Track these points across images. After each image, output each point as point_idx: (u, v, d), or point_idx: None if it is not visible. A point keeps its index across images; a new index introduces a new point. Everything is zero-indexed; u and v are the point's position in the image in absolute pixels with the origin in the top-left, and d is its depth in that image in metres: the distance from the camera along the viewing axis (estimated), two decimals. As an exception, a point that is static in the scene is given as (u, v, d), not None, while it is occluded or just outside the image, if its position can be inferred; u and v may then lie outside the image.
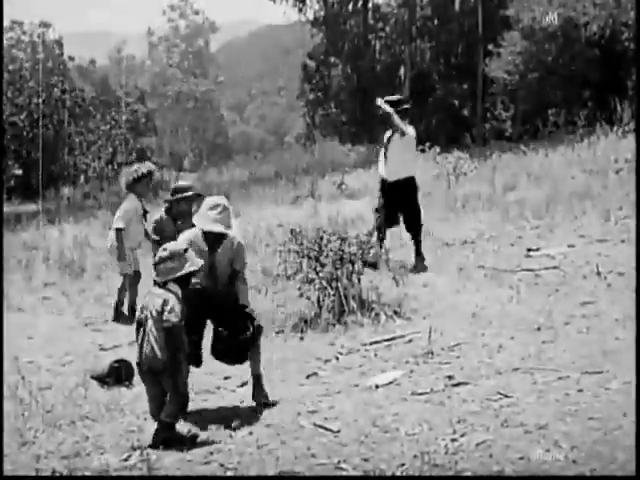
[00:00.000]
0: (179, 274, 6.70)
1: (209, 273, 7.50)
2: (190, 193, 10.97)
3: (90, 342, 10.25)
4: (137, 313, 6.84)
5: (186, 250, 6.87)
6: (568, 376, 7.06)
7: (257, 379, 7.66)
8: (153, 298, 6.65)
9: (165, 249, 6.80)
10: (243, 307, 7.57)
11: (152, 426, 6.77)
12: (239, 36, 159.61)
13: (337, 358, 8.62)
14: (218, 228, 7.45)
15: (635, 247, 10.36)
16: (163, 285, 6.70)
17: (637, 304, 8.10)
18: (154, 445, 6.39)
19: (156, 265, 6.82)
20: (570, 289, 10.19)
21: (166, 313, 6.48)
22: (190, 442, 6.46)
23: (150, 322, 6.55)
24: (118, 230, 11.58)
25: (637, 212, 12.20)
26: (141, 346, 6.60)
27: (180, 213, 10.87)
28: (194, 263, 6.85)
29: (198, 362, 7.71)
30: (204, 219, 7.49)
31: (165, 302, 6.53)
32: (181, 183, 11.46)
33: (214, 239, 7.55)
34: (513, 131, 33.37)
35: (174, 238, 8.19)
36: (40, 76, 39.36)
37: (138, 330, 6.70)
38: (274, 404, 7.40)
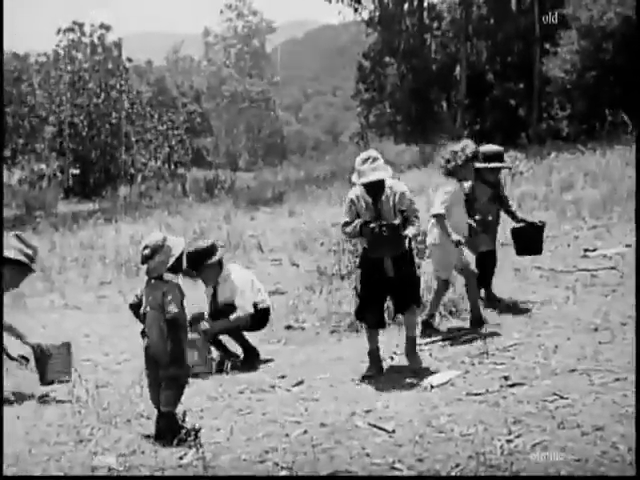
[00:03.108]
0: (170, 264, 6.70)
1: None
2: (505, 164, 10.25)
3: (146, 340, 10.31)
4: (133, 299, 6.93)
5: (164, 238, 6.81)
6: (625, 377, 6.98)
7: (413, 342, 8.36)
8: (151, 291, 6.72)
9: (147, 247, 6.68)
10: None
11: (208, 422, 6.84)
12: (295, 36, 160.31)
13: (392, 358, 8.59)
14: (374, 176, 7.77)
15: (635, 250, 10.25)
16: (159, 278, 6.71)
17: (637, 305, 7.98)
18: (158, 437, 6.49)
19: (142, 264, 6.82)
20: (627, 289, 10.06)
21: (166, 305, 6.55)
22: (193, 434, 6.48)
23: (152, 314, 6.67)
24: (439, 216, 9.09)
25: (637, 212, 12.06)
26: (143, 333, 6.79)
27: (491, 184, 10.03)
28: (178, 244, 6.81)
29: (382, 325, 8.42)
30: (360, 174, 7.85)
31: (164, 294, 6.60)
32: (493, 148, 10.04)
33: (376, 189, 7.90)
34: (570, 130, 32.99)
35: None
36: (99, 77, 39.81)
37: (142, 319, 6.84)
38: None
